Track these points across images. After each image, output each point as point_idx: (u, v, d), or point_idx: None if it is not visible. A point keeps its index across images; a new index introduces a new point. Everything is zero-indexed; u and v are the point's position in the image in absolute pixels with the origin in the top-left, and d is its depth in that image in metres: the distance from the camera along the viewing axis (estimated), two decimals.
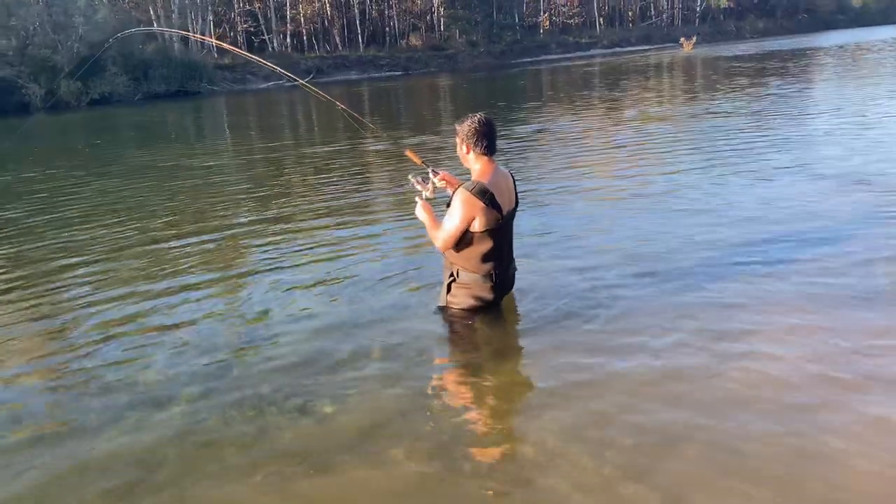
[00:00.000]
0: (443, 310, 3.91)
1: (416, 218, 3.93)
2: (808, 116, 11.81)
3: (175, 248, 6.06)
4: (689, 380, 3.12)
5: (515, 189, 3.82)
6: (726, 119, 11.93)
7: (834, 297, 3.93)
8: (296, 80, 5.17)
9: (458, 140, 3.68)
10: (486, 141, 3.59)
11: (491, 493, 2.50)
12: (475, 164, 3.64)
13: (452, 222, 3.56)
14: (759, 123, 11.13)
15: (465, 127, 3.61)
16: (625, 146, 10.04)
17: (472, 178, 3.61)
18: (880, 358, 3.20)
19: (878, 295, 3.90)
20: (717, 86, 18.96)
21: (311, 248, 5.73)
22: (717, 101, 14.82)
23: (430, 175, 4.02)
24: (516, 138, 11.48)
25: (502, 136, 11.34)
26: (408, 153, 4.21)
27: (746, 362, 3.25)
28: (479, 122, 3.59)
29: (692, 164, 8.14)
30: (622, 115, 14.26)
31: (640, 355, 3.39)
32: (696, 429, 2.75)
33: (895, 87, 14.97)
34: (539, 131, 12.51)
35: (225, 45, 6.33)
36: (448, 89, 28.19)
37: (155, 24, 41.81)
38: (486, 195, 3.49)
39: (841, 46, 35.10)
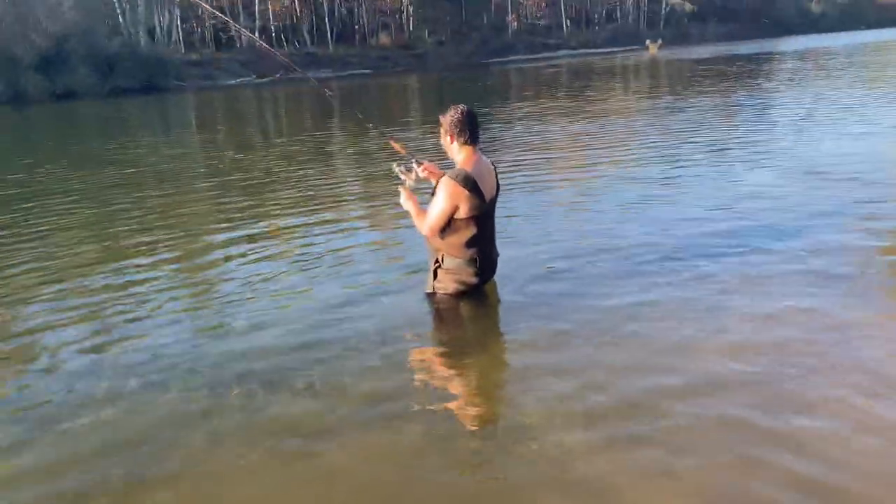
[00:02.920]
0: (430, 296, 4.04)
1: (399, 206, 4.08)
2: (768, 114, 12.29)
3: (149, 240, 6.11)
4: (668, 355, 3.30)
5: (497, 177, 3.99)
6: (694, 116, 12.31)
7: (789, 279, 4.17)
8: (305, 76, 5.72)
9: (441, 130, 3.83)
10: (469, 130, 3.75)
11: (479, 459, 2.64)
12: (459, 153, 3.80)
13: (437, 209, 3.72)
14: (723, 120, 11.56)
15: (449, 118, 3.77)
16: (599, 141, 10.29)
17: (456, 167, 3.77)
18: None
19: (834, 279, 4.16)
20: (684, 85, 19.42)
21: (298, 236, 5.82)
22: (685, 99, 15.20)
23: (414, 165, 4.17)
24: (490, 138, 11.69)
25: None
26: (392, 143, 4.34)
27: (720, 342, 3.47)
28: (462, 112, 3.75)
29: (662, 157, 8.48)
30: (594, 112, 14.54)
31: (613, 328, 3.59)
32: (669, 392, 2.94)
33: (844, 90, 15.59)
34: (513, 129, 12.72)
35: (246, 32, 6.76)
36: (418, 90, 28.24)
37: (120, 18, 41.10)
38: (469, 182, 3.65)
39: (798, 51, 36.10)
